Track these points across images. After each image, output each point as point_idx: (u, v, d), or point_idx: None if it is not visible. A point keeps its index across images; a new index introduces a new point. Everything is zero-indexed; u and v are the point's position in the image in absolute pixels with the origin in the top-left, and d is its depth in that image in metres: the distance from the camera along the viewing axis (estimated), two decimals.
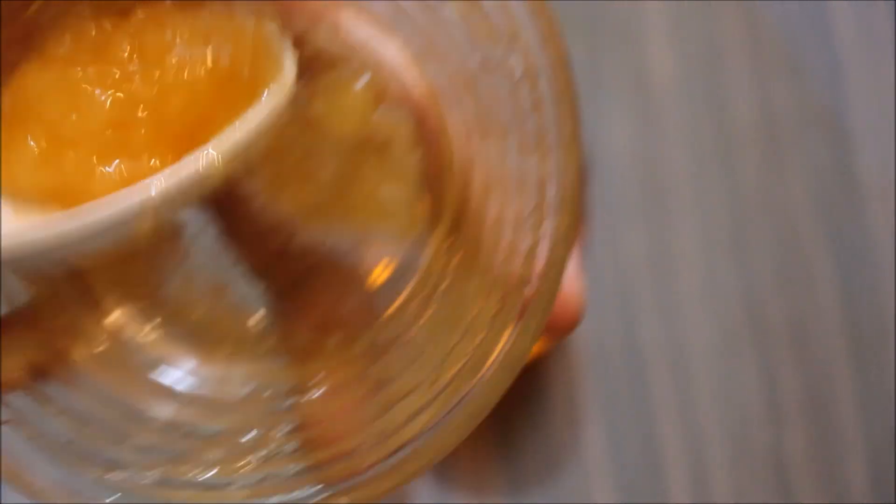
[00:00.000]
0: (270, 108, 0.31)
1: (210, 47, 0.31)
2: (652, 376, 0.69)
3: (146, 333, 0.34)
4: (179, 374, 0.34)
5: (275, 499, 0.30)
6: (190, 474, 0.31)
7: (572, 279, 0.33)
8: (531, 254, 0.31)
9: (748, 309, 0.70)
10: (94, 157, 0.31)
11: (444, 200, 0.34)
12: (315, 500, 0.30)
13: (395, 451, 0.31)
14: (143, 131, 0.31)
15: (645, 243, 0.71)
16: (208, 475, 0.31)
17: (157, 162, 0.31)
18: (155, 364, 0.34)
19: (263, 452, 0.32)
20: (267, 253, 0.35)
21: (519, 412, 0.69)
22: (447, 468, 0.68)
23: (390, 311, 0.35)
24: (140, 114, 0.31)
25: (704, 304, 0.70)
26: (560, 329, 0.33)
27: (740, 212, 0.72)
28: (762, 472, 0.68)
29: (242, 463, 0.31)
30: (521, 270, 0.31)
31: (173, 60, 0.31)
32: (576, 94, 0.31)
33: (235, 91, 0.31)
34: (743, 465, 0.69)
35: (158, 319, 0.34)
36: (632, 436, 0.69)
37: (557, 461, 0.68)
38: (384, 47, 0.33)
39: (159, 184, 0.30)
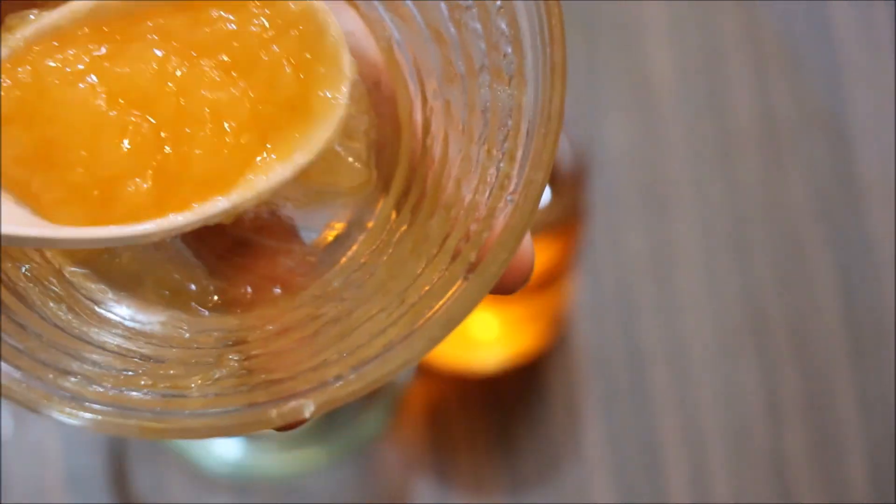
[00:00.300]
0: (322, 144, 0.31)
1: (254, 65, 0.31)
2: (652, 376, 0.69)
3: (85, 276, 0.34)
4: (125, 313, 0.34)
5: (234, 406, 0.30)
6: (145, 385, 0.31)
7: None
8: (504, 180, 0.30)
9: (748, 309, 0.70)
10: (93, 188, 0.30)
11: (395, 166, 0.34)
12: (278, 406, 0.29)
13: (363, 364, 0.30)
14: (155, 175, 0.30)
15: (645, 243, 0.71)
16: (164, 386, 0.31)
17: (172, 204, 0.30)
18: (100, 302, 0.34)
19: (218, 373, 0.31)
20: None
21: (519, 412, 0.69)
22: (447, 468, 0.68)
23: (337, 266, 0.34)
24: (159, 156, 0.30)
25: (704, 304, 0.70)
26: (507, 283, 0.32)
27: (740, 212, 0.72)
28: (762, 472, 0.68)
29: (197, 377, 0.31)
30: (490, 201, 0.30)
31: (210, 94, 0.31)
32: (563, 25, 0.30)
33: (280, 116, 0.31)
34: (743, 465, 0.69)
35: (91, 266, 0.34)
36: (632, 436, 0.69)
37: (557, 461, 0.68)
38: (339, 13, 0.33)
39: (183, 217, 0.30)
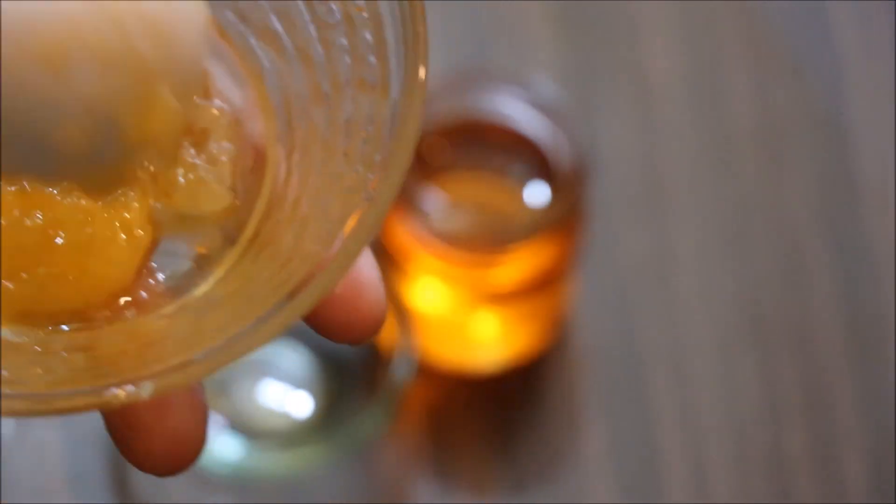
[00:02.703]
0: None
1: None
2: (651, 376, 0.69)
3: None
4: None
5: (75, 389, 0.30)
6: None
7: (368, 272, 0.32)
8: (360, 185, 0.30)
9: (748, 309, 0.70)
10: None
11: (259, 191, 0.34)
12: (117, 389, 0.29)
13: (207, 351, 0.30)
14: None
15: (645, 243, 0.71)
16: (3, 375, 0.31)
17: None
18: None
19: (61, 368, 0.32)
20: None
21: (519, 412, 0.69)
22: (447, 468, 0.68)
23: (198, 287, 0.34)
24: None
25: (704, 304, 0.70)
26: (359, 327, 0.32)
27: (740, 212, 0.72)
28: (762, 472, 0.68)
29: (38, 369, 0.31)
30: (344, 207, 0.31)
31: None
32: (426, 28, 0.30)
33: None
34: (743, 465, 0.69)
35: None
36: (632, 436, 0.69)
37: (557, 461, 0.68)
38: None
39: None
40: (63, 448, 0.67)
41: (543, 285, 0.66)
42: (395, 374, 0.63)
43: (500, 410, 0.69)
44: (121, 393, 0.29)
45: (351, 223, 0.30)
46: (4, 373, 0.31)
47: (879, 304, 0.71)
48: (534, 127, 0.66)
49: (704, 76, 0.73)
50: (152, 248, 0.33)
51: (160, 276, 0.34)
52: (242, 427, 0.66)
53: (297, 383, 0.68)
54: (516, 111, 0.66)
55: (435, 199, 0.63)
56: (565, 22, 0.74)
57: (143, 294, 0.33)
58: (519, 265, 0.65)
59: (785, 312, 0.70)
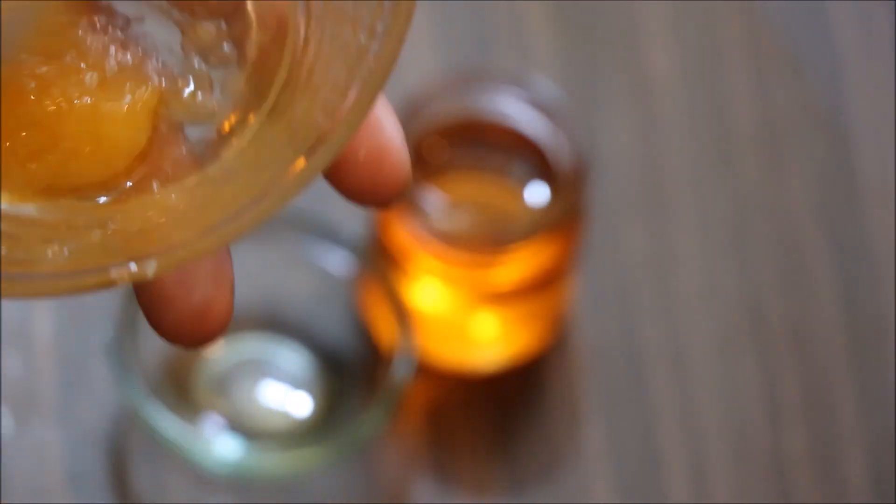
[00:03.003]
0: None
1: None
2: (652, 376, 0.69)
3: None
4: None
5: (81, 268, 0.30)
6: None
7: (390, 134, 0.32)
8: (362, 53, 0.31)
9: (748, 309, 0.70)
10: None
11: (279, 62, 0.35)
12: (119, 267, 0.29)
13: (211, 226, 0.30)
14: None
15: (645, 243, 0.71)
16: (18, 255, 0.31)
17: None
18: None
19: (75, 244, 0.31)
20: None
21: (519, 412, 0.69)
22: (447, 468, 0.68)
23: (219, 158, 0.34)
24: None
25: (704, 304, 0.70)
26: (381, 192, 0.32)
27: (740, 212, 0.72)
28: (762, 472, 0.69)
29: (55, 246, 0.31)
30: (348, 75, 0.31)
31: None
32: None
33: None
34: (743, 465, 0.69)
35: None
36: (632, 436, 0.69)
37: (557, 461, 0.68)
38: None
39: None
40: (63, 448, 0.67)
41: (543, 285, 0.66)
42: (395, 374, 0.63)
43: (500, 410, 0.69)
44: (124, 272, 0.29)
45: (353, 93, 0.30)
46: (17, 253, 0.31)
47: (879, 304, 0.71)
48: (534, 127, 0.66)
49: (704, 76, 0.73)
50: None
51: (185, 147, 0.34)
52: (242, 427, 0.66)
53: (297, 383, 0.68)
54: (516, 111, 0.66)
55: (435, 199, 0.63)
56: (565, 22, 0.74)
57: (168, 165, 0.33)
58: (519, 265, 0.65)
59: (785, 312, 0.70)
